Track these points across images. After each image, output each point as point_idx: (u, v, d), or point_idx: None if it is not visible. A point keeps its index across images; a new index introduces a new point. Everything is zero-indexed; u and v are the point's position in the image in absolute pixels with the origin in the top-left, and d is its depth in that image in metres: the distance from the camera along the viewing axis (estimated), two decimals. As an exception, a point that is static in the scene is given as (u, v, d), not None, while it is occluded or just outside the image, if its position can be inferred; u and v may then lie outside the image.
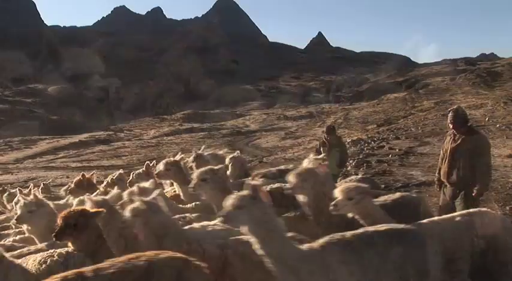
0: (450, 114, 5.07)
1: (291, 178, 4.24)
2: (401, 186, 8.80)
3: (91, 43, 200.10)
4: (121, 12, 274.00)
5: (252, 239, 2.95)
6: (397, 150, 15.94)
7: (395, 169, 11.53)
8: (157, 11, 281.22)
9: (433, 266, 3.28)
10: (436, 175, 5.50)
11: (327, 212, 4.00)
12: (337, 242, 3.10)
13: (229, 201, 2.97)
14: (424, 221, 3.65)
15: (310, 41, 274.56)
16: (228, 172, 5.98)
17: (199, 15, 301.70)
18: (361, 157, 15.79)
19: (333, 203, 3.65)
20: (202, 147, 7.43)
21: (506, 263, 3.51)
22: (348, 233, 3.20)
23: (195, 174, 4.99)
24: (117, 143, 57.85)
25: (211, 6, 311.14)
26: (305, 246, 3.06)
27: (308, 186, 4.18)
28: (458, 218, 3.59)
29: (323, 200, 4.15)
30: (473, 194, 4.84)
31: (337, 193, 3.69)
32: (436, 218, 3.82)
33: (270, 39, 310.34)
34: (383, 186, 9.16)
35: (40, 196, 5.44)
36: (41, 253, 3.59)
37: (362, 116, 67.80)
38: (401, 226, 3.39)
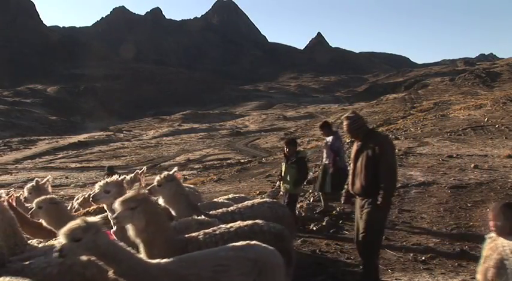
0: (344, 122, 4.69)
1: None
2: (401, 186, 8.73)
3: (90, 43, 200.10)
4: (120, 12, 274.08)
5: None
6: (396, 150, 15.92)
7: (394, 169, 11.48)
8: (156, 12, 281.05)
9: None
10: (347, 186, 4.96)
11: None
12: None
13: None
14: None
15: (310, 41, 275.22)
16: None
17: (199, 16, 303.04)
18: (360, 157, 15.76)
19: (57, 249, 2.91)
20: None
21: None
22: None
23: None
24: (116, 144, 57.76)
25: (210, 7, 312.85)
26: None
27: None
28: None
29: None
30: (378, 203, 4.37)
31: (61, 235, 2.95)
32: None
33: (269, 40, 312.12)
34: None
35: None
36: None
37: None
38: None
